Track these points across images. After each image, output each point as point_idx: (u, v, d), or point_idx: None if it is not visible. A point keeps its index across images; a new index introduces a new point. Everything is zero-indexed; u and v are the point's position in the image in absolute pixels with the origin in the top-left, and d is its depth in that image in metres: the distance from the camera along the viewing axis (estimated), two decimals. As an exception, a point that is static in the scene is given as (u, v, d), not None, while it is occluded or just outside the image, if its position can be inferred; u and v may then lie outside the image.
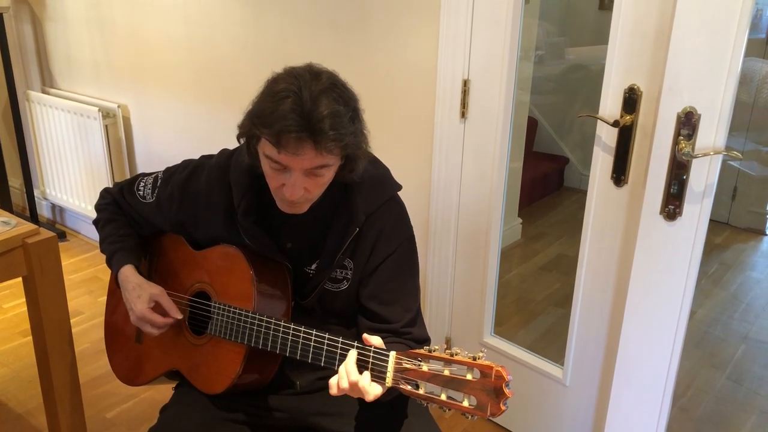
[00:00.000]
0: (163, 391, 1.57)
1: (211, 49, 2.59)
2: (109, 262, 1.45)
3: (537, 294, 3.04)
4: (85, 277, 3.16)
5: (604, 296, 1.81)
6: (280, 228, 1.32)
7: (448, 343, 2.27)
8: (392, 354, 1.10)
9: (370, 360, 1.11)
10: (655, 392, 1.70)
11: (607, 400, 1.80)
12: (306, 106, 1.07)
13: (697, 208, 1.51)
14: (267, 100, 1.11)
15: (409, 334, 1.29)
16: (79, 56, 3.18)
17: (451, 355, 1.04)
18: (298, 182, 1.15)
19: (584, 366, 1.91)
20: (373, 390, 1.09)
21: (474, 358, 1.03)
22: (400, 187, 1.34)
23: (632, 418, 1.76)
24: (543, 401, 2.04)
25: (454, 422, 2.18)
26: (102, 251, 1.47)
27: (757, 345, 2.76)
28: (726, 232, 3.93)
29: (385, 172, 1.35)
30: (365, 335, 1.14)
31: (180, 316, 1.36)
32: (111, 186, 1.55)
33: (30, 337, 1.78)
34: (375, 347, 1.12)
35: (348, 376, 1.11)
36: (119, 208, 1.50)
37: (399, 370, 1.08)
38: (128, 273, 1.40)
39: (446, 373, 1.04)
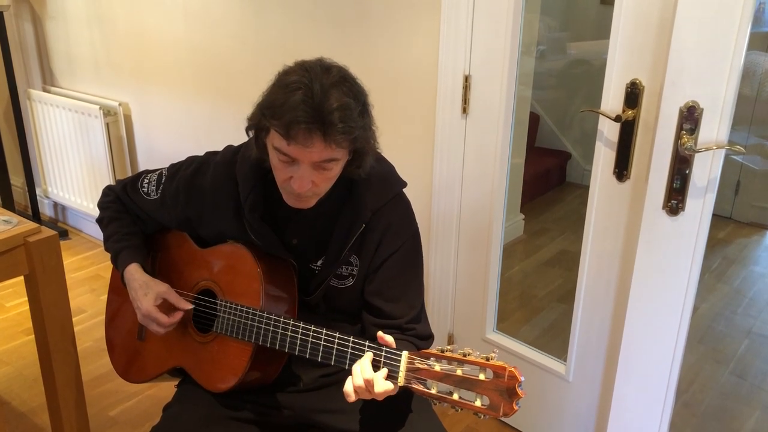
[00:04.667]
0: (166, 389, 1.57)
1: (212, 47, 2.59)
2: (114, 261, 1.45)
3: (539, 290, 3.04)
4: (87, 275, 3.17)
5: (607, 292, 1.80)
6: (286, 224, 1.32)
7: (451, 339, 2.27)
8: (405, 354, 1.10)
9: (382, 359, 1.11)
10: (659, 387, 1.69)
11: (610, 395, 1.80)
12: (316, 98, 1.08)
13: (700, 203, 1.51)
14: (278, 92, 1.12)
15: (413, 330, 1.29)
16: (80, 54, 3.18)
17: (464, 356, 1.05)
18: (306, 175, 1.14)
19: (587, 362, 1.91)
20: (384, 386, 1.09)
21: (487, 359, 1.03)
22: (405, 184, 1.34)
23: (635, 413, 1.76)
24: (546, 397, 2.04)
25: (457, 419, 2.18)
26: (106, 249, 1.47)
27: (761, 340, 2.76)
28: (729, 227, 3.92)
29: (390, 168, 1.35)
30: (380, 333, 1.13)
31: (189, 306, 1.36)
32: (113, 183, 1.55)
33: (32, 336, 1.79)
34: (388, 346, 1.12)
35: (363, 374, 1.10)
36: (123, 206, 1.50)
37: (411, 370, 1.08)
38: (134, 271, 1.40)
39: (459, 373, 1.04)
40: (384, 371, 1.10)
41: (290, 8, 2.27)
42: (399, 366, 1.09)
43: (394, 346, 1.14)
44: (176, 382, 1.48)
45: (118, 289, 1.54)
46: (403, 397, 1.33)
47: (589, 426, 1.96)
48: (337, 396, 1.34)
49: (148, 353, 1.47)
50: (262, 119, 1.15)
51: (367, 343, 1.14)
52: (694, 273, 1.56)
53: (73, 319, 1.79)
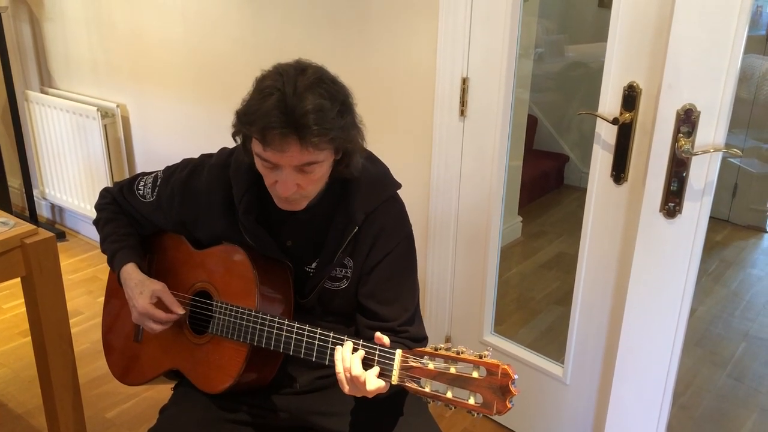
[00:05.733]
0: (163, 391, 1.57)
1: (210, 49, 2.59)
2: (110, 262, 1.45)
3: (537, 292, 3.04)
4: (84, 277, 3.16)
5: (604, 294, 1.80)
6: (281, 226, 1.32)
7: (448, 341, 2.27)
8: (398, 352, 1.10)
9: (376, 358, 1.11)
10: (656, 390, 1.69)
11: (607, 398, 1.80)
12: (289, 102, 1.08)
13: (697, 206, 1.51)
14: (253, 98, 1.13)
15: (406, 332, 1.29)
16: (78, 56, 3.18)
17: (457, 354, 1.05)
18: (289, 179, 1.15)
19: (584, 364, 1.91)
20: (376, 384, 1.10)
21: (480, 357, 1.03)
22: (399, 186, 1.34)
23: (633, 416, 1.76)
24: (543, 400, 2.04)
25: (454, 421, 2.18)
26: (103, 251, 1.47)
27: (758, 342, 2.76)
28: (726, 230, 3.93)
29: (384, 170, 1.35)
30: (378, 334, 1.14)
31: (182, 311, 1.36)
32: (110, 186, 1.55)
33: (29, 338, 1.78)
34: (382, 346, 1.12)
35: (344, 363, 1.12)
36: (119, 208, 1.50)
37: (405, 368, 1.09)
38: (130, 271, 1.40)
39: (452, 371, 1.05)
40: (376, 369, 1.11)
41: (288, 10, 2.27)
42: (393, 364, 1.10)
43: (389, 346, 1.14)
44: (173, 385, 1.48)
45: (114, 292, 1.54)
46: (399, 399, 1.33)
47: (586, 428, 1.96)
48: (334, 398, 1.34)
49: (144, 356, 1.47)
50: (240, 126, 1.15)
51: (361, 342, 1.14)
52: (691, 275, 1.56)
53: (70, 321, 1.79)
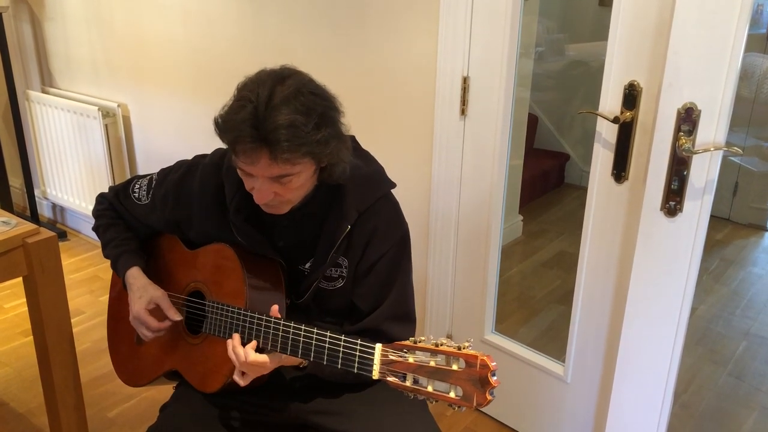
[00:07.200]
0: (164, 391, 1.57)
1: (210, 48, 2.59)
2: (114, 266, 1.46)
3: (538, 291, 3.04)
4: (85, 277, 3.16)
5: (605, 293, 1.80)
6: (273, 226, 1.33)
7: (448, 339, 2.27)
8: (378, 346, 1.08)
9: (357, 353, 1.10)
10: (656, 389, 1.70)
11: (608, 396, 1.80)
12: (261, 115, 1.08)
13: (698, 204, 1.51)
14: (230, 106, 1.14)
15: (391, 333, 1.30)
16: (79, 55, 3.18)
17: (437, 345, 1.03)
18: (264, 188, 1.16)
19: (585, 363, 1.91)
20: (255, 355, 1.17)
21: (459, 348, 1.01)
22: (393, 185, 1.33)
23: (633, 414, 1.76)
24: (544, 398, 2.04)
25: (454, 420, 2.18)
26: (106, 256, 1.48)
27: (759, 341, 2.76)
28: (727, 228, 3.93)
29: (377, 169, 1.34)
30: (274, 307, 1.19)
31: (179, 318, 1.36)
32: (107, 190, 1.56)
33: (31, 337, 1.79)
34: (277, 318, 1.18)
35: (236, 357, 1.18)
36: (116, 213, 1.51)
37: (385, 363, 1.07)
38: (136, 274, 1.42)
39: (432, 364, 1.02)
40: (253, 343, 1.19)
41: (288, 9, 2.27)
42: (373, 359, 1.08)
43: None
44: (174, 385, 1.49)
45: (118, 294, 1.55)
46: (399, 398, 1.33)
47: (587, 427, 1.96)
48: (332, 397, 1.35)
49: (145, 357, 1.47)
50: (218, 134, 1.17)
51: (342, 337, 1.13)
52: (692, 274, 1.56)
53: (72, 321, 1.79)
